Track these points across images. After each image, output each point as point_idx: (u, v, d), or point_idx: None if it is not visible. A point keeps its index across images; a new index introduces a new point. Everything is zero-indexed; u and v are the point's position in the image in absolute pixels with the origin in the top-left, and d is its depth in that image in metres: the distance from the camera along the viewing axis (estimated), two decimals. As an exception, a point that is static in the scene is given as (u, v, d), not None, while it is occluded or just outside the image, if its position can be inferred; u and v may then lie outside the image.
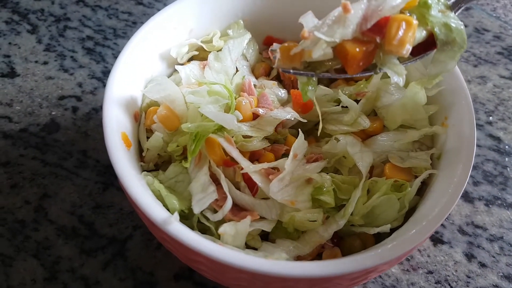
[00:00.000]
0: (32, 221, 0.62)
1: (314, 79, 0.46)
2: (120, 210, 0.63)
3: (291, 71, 0.45)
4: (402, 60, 0.43)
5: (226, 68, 0.59)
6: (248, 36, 0.62)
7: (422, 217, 0.45)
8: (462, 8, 0.45)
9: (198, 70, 0.58)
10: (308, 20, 0.44)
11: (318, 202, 0.49)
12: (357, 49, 0.41)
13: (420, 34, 0.42)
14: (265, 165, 0.48)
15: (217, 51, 0.60)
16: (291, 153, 0.49)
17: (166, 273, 0.58)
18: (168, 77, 0.60)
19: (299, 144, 0.49)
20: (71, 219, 0.62)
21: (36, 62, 0.78)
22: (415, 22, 0.41)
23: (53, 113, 0.72)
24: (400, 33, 0.40)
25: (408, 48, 0.41)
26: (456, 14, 0.44)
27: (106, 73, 0.77)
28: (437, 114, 0.53)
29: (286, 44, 0.44)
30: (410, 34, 0.40)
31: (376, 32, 0.41)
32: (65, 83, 0.76)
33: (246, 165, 0.48)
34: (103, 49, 0.81)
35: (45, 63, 0.78)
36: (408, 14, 0.43)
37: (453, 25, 0.43)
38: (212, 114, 0.48)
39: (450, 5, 0.44)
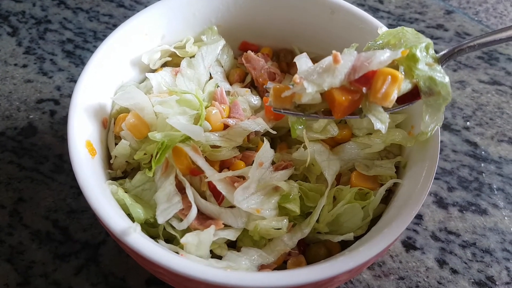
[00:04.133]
0: (7, 226, 0.62)
1: (303, 119, 0.48)
2: (94, 215, 0.63)
3: (282, 110, 0.47)
4: (386, 108, 0.44)
5: (198, 75, 0.59)
6: (222, 42, 0.62)
7: (383, 227, 0.45)
8: (449, 60, 0.47)
9: (170, 77, 0.58)
10: (302, 63, 0.46)
11: (285, 210, 0.50)
12: (344, 98, 0.43)
13: (405, 86, 0.44)
14: (229, 173, 0.49)
15: (190, 57, 0.60)
16: (255, 162, 0.49)
17: (138, 278, 0.58)
18: (140, 83, 0.60)
19: (264, 152, 0.49)
20: (45, 224, 0.62)
21: (15, 65, 0.78)
22: (400, 76, 0.42)
23: (31, 116, 0.72)
24: (385, 87, 0.42)
25: (391, 101, 0.42)
26: (444, 66, 0.46)
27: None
28: (404, 123, 0.54)
29: (278, 86, 0.47)
30: (395, 88, 0.42)
31: (362, 83, 0.43)
32: (44, 86, 0.76)
33: (211, 174, 0.48)
34: (83, 52, 0.81)
35: (25, 66, 0.78)
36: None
37: (438, 79, 0.44)
38: (180, 125, 0.48)
39: (438, 58, 0.46)
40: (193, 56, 0.61)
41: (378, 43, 0.48)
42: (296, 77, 0.44)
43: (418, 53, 0.44)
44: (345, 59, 0.43)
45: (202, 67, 0.60)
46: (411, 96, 0.46)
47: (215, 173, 0.48)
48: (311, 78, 0.43)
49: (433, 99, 0.45)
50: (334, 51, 0.43)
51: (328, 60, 0.44)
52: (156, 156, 0.48)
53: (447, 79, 0.44)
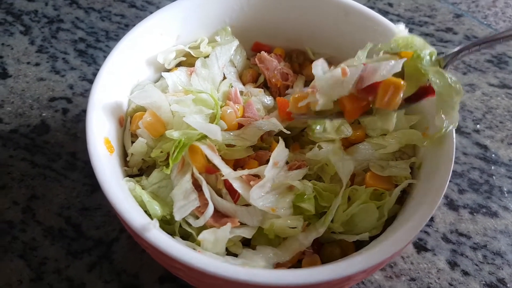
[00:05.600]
0: (20, 222, 0.62)
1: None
2: (107, 212, 0.63)
3: (302, 116, 0.52)
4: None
5: (213, 75, 0.59)
6: (236, 42, 0.63)
7: (399, 227, 0.45)
8: (453, 62, 0.49)
9: (185, 77, 0.58)
10: (318, 69, 0.50)
11: (300, 209, 0.50)
12: (353, 105, 0.48)
13: (411, 88, 0.47)
14: (245, 171, 0.49)
15: (205, 58, 0.61)
16: (270, 161, 0.49)
17: (151, 275, 0.58)
18: (156, 82, 0.60)
19: (279, 152, 0.50)
20: (58, 221, 0.62)
21: (28, 63, 0.79)
22: (403, 83, 0.46)
23: (44, 114, 0.73)
24: (388, 96, 0.46)
25: (395, 105, 0.46)
26: (447, 68, 0.48)
27: (97, 75, 0.78)
28: (419, 124, 0.54)
29: (296, 96, 0.51)
30: (398, 95, 0.46)
31: (369, 92, 0.47)
32: (56, 84, 0.76)
33: (227, 172, 0.48)
34: (95, 51, 0.81)
35: (37, 64, 0.79)
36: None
37: (446, 74, 0.46)
38: (197, 124, 0.49)
39: (442, 58, 0.48)
40: (207, 56, 0.61)
41: (391, 46, 0.49)
42: (311, 87, 0.48)
43: (422, 54, 0.47)
44: (352, 72, 0.46)
45: (216, 67, 0.60)
46: (424, 92, 0.48)
47: (231, 172, 0.49)
48: (323, 90, 0.48)
49: (446, 93, 0.46)
50: (342, 65, 0.47)
51: (337, 72, 0.47)
52: (173, 154, 0.48)
53: (454, 78, 0.46)
